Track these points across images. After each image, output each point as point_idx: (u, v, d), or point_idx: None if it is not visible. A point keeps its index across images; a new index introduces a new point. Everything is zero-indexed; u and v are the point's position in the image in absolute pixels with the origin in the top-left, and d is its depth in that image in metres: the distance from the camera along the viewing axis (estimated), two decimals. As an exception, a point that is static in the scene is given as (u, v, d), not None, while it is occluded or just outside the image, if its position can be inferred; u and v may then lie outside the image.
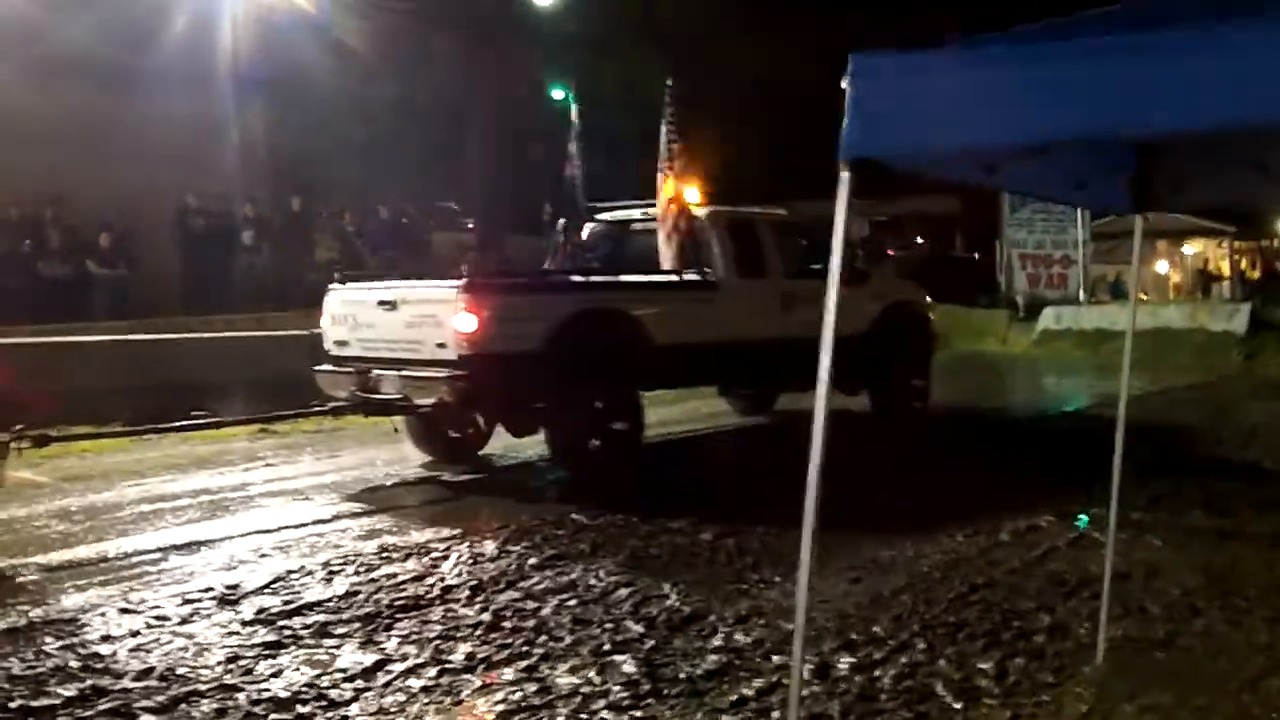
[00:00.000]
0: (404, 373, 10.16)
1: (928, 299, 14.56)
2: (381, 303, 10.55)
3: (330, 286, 11.30)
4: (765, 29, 34.05)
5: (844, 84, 2.98)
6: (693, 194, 12.33)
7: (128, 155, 19.20)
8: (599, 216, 13.41)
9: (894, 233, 34.71)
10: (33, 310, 15.79)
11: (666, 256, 11.80)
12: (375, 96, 24.62)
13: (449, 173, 26.21)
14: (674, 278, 11.67)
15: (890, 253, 30.99)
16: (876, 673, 5.42)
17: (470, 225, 26.37)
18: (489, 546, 7.93)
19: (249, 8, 21.52)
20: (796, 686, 3.43)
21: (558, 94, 32.16)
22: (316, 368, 11.07)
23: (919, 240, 36.90)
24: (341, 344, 10.98)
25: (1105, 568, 5.69)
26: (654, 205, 12.19)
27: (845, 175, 3.04)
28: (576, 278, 11.94)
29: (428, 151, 25.31)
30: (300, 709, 5.14)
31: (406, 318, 10.30)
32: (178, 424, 10.69)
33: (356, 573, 7.33)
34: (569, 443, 10.50)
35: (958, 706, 5.02)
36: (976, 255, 33.01)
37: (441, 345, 9.89)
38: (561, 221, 13.55)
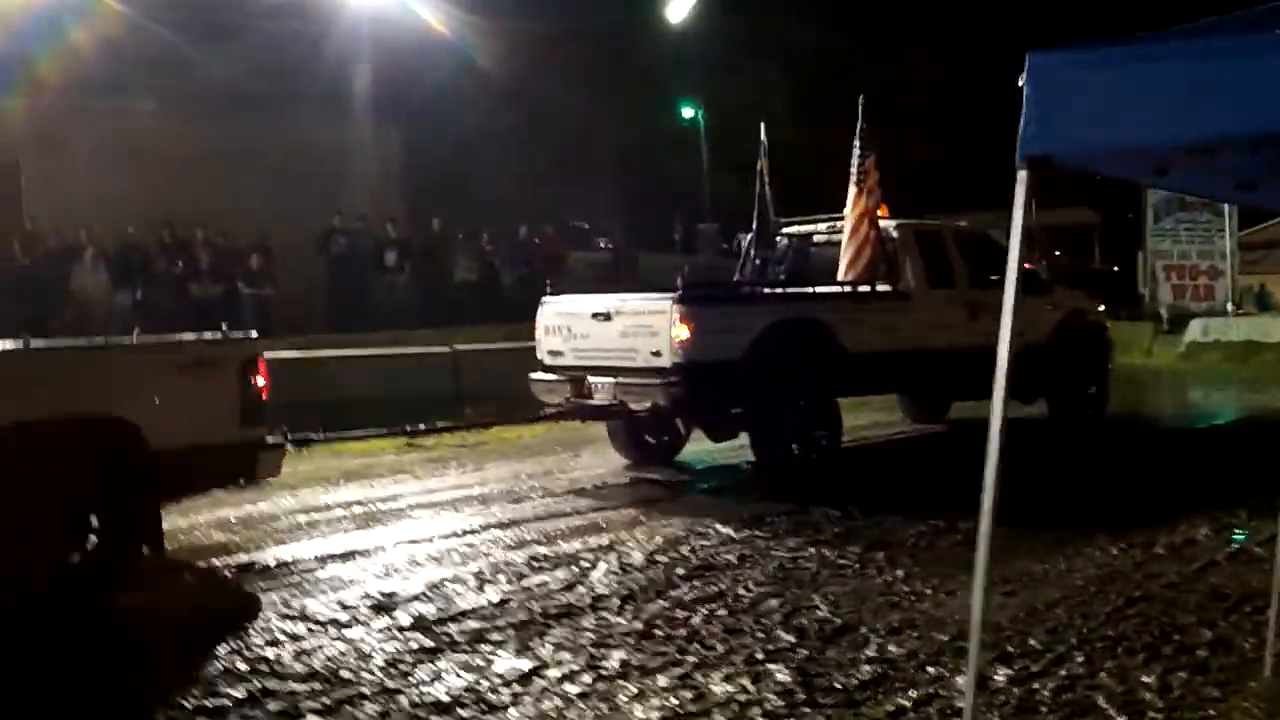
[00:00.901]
0: (619, 380, 10.82)
1: (1102, 308, 15.05)
2: (595, 314, 11.22)
3: (543, 300, 11.96)
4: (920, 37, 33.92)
5: (1021, 82, 2.98)
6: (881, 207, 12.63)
7: (274, 180, 19.85)
8: (785, 230, 13.80)
9: (1031, 246, 34.11)
10: (183, 330, 16.32)
11: (854, 268, 12.12)
12: (510, 118, 25.00)
13: (582, 192, 26.48)
14: (866, 289, 12.01)
15: (1028, 265, 30.43)
16: (1035, 685, 5.35)
17: (604, 244, 26.60)
18: (637, 557, 7.99)
19: (387, 34, 22.06)
20: (972, 695, 3.40)
21: (688, 111, 32.34)
22: (532, 375, 11.74)
23: (1057, 253, 36.18)
24: (555, 354, 11.62)
25: (1275, 580, 5.53)
26: (837, 219, 12.64)
27: (1022, 174, 3.03)
28: (776, 289, 12.48)
29: (561, 171, 25.61)
30: (461, 712, 5.25)
31: (621, 328, 10.96)
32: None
33: (508, 581, 7.45)
34: (771, 447, 11.08)
35: (1121, 719, 4.93)
36: (1116, 268, 32.25)
37: (656, 354, 10.57)
38: (748, 236, 13.94)
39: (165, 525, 9.27)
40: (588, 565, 7.81)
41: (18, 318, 16.60)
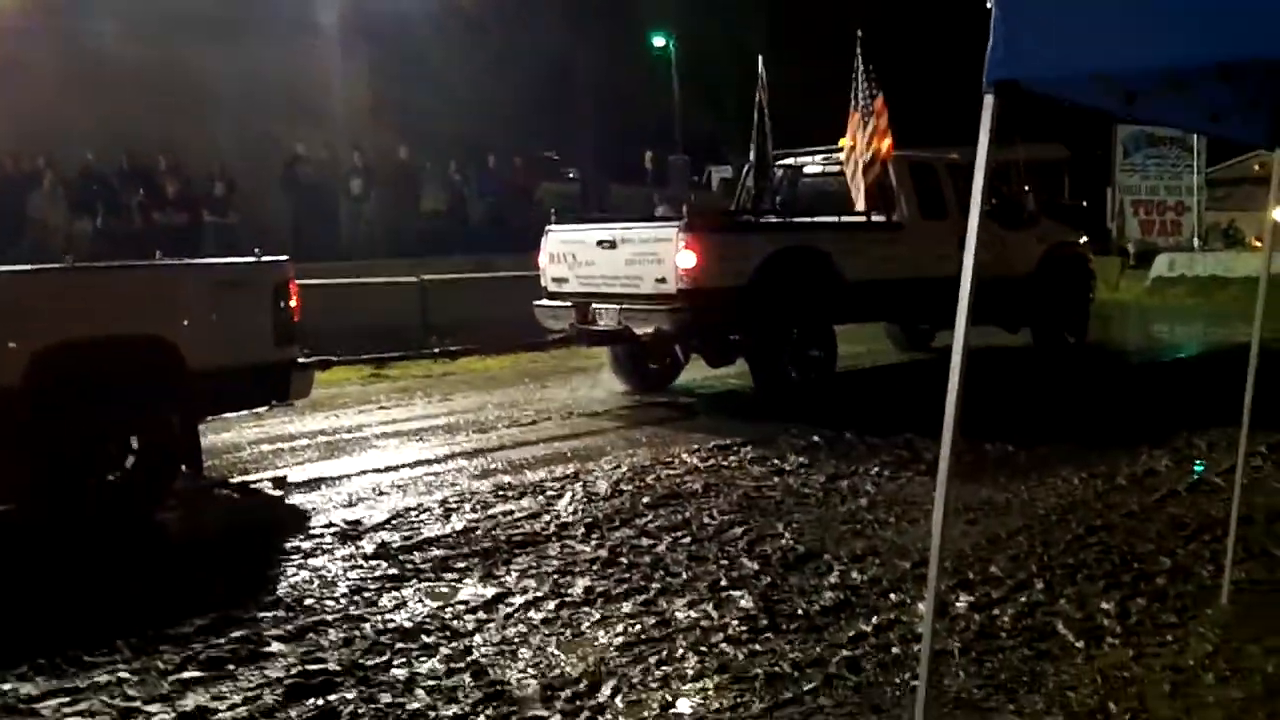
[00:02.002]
0: (624, 306, 11.03)
1: (1084, 239, 15.59)
2: (601, 242, 11.39)
3: (548, 228, 12.08)
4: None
5: (989, 3, 2.94)
6: (887, 143, 12.72)
7: (238, 107, 19.55)
8: (782, 162, 14.02)
9: (1000, 181, 34.06)
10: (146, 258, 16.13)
11: (856, 199, 12.55)
12: (480, 46, 24.69)
13: (552, 123, 26.25)
14: (863, 219, 12.33)
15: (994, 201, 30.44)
16: (995, 611, 5.40)
17: (572, 175, 26.42)
18: (602, 486, 8.00)
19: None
20: (930, 619, 3.42)
21: (659, 41, 32.02)
22: (536, 302, 11.92)
23: (1025, 188, 36.21)
24: (560, 280, 11.78)
25: (1232, 510, 5.59)
26: (833, 150, 13.12)
27: (989, 100, 3.00)
28: (777, 218, 12.60)
29: (531, 102, 25.36)
30: (425, 639, 5.26)
31: (627, 255, 11.12)
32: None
33: (473, 510, 7.46)
34: (771, 370, 11.38)
35: (1079, 645, 4.98)
36: (1085, 203, 32.32)
37: (661, 280, 10.76)
38: (747, 166, 14.12)
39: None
40: (554, 494, 7.82)
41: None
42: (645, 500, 7.60)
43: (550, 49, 26.77)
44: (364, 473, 8.68)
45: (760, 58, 13.69)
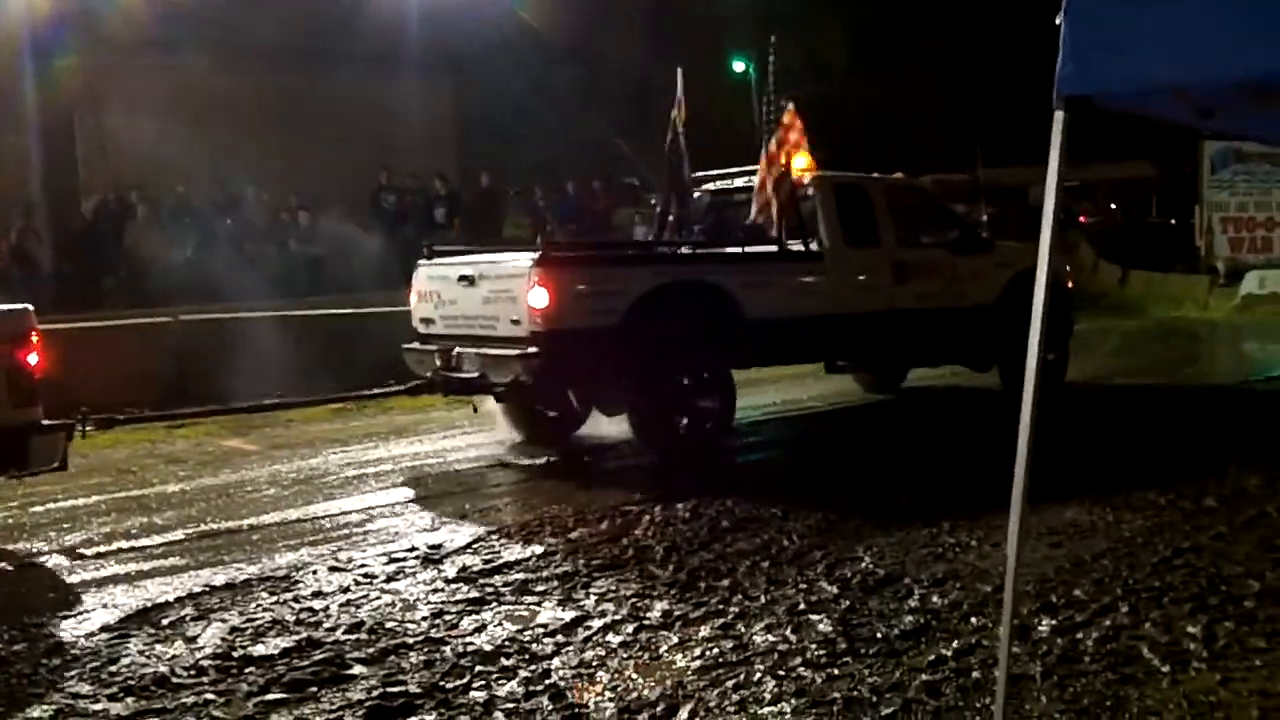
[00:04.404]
0: (481, 350, 9.89)
1: (1067, 267, 13.34)
2: (461, 278, 10.15)
3: (419, 262, 10.95)
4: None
5: (1058, 20, 2.92)
6: (801, 160, 11.33)
7: (324, 136, 19.90)
8: (704, 187, 12.58)
9: (1087, 200, 33.64)
10: (238, 286, 16.44)
11: (765, 224, 11.08)
12: (561, 73, 24.89)
13: (632, 148, 26.37)
14: (773, 248, 10.89)
15: (1082, 219, 30.04)
16: (1079, 635, 5.32)
17: (653, 200, 26.49)
18: (680, 509, 8.00)
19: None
20: (1007, 642, 3.38)
21: (739, 66, 32.04)
22: (404, 346, 10.84)
23: (1113, 207, 35.72)
24: (427, 321, 10.67)
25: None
26: (754, 171, 11.44)
27: (1059, 115, 2.97)
28: (659, 249, 11.44)
29: (611, 127, 25.49)
30: (504, 661, 5.29)
31: (484, 293, 9.92)
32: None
33: (552, 534, 7.50)
34: (652, 422, 10.04)
35: (1165, 669, 4.89)
36: (1173, 221, 31.80)
37: (516, 321, 9.53)
38: (663, 194, 12.67)
39: (216, 480, 9.56)
40: (632, 519, 7.83)
41: (78, 276, 16.92)
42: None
43: (631, 75, 26.90)
44: (446, 496, 8.80)
45: (679, 70, 12.09)
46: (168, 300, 15.00)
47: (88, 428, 8.88)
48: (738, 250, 10.94)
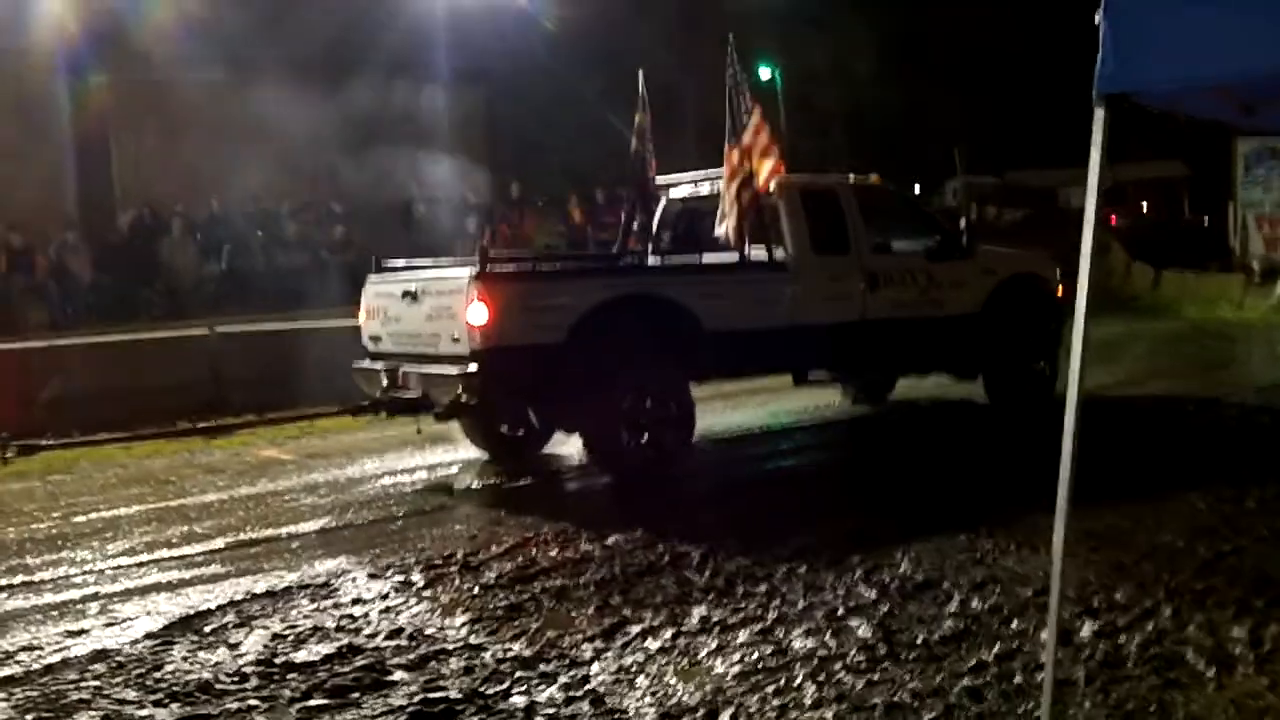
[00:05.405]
0: (424, 369, 9.56)
1: (1057, 271, 12.42)
2: (405, 294, 9.77)
3: (369, 277, 10.53)
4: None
5: (1097, 18, 2.91)
6: (768, 165, 10.77)
7: (353, 147, 20.00)
8: (671, 194, 11.98)
9: (1118, 202, 33.46)
10: (272, 298, 16.54)
11: (728, 233, 10.51)
12: (587, 81, 24.95)
13: (660, 155, 26.39)
14: (732, 257, 10.35)
15: (1113, 221, 29.85)
16: (1121, 639, 5.28)
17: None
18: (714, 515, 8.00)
19: (464, 2, 22.09)
20: (1053, 646, 3.36)
21: (765, 73, 32.06)
22: (355, 364, 10.47)
23: (1144, 207, 35.55)
24: (375, 339, 10.29)
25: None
26: (717, 177, 10.94)
27: (1099, 113, 2.96)
28: (609, 261, 11.01)
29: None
30: (543, 667, 5.31)
31: (427, 309, 9.55)
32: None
33: (589, 541, 7.50)
34: (601, 441, 9.70)
35: (1210, 673, 4.84)
36: (1206, 220, 31.58)
37: (456, 339, 9.15)
38: (628, 201, 12.37)
39: (254, 490, 9.62)
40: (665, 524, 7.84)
41: (114, 292, 17.04)
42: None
43: (657, 81, 26.95)
44: (484, 505, 8.80)
45: (640, 72, 11.75)
46: (203, 312, 15.11)
47: (8, 454, 8.73)
48: (690, 261, 10.56)
